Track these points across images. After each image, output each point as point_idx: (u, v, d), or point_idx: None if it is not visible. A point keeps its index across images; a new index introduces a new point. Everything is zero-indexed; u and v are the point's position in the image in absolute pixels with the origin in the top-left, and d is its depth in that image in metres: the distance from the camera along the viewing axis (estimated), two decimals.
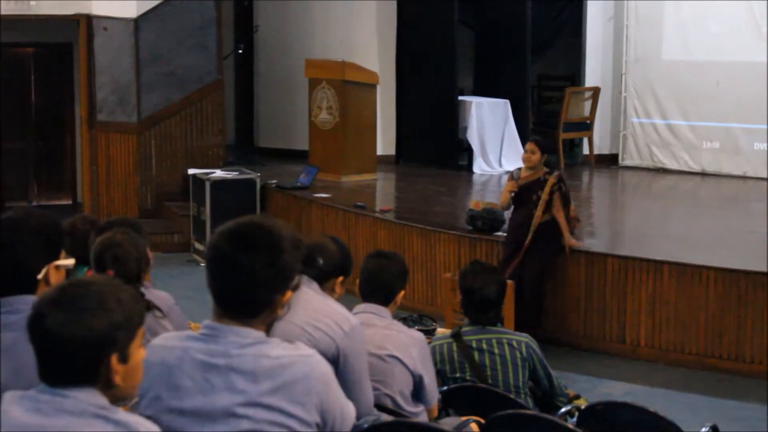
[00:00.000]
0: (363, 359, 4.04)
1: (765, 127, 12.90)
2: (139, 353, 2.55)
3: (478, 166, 13.19)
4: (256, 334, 2.87)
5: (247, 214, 11.15)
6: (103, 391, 2.46)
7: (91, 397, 2.43)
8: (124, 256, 4.39)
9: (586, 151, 14.19)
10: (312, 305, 3.97)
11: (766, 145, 13.02)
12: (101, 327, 2.44)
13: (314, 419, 2.87)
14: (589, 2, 14.20)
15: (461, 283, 5.39)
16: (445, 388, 5.06)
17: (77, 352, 2.41)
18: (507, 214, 9.13)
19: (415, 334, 4.62)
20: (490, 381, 5.16)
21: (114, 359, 2.46)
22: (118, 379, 2.48)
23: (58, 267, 3.30)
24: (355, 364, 3.95)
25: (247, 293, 2.86)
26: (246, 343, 2.84)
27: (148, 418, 2.84)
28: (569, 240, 8.73)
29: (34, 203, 13.94)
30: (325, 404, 2.89)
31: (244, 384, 2.82)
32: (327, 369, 2.94)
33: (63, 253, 3.35)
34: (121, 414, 2.44)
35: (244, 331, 2.85)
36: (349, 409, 3.02)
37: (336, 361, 3.86)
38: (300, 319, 3.89)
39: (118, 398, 2.53)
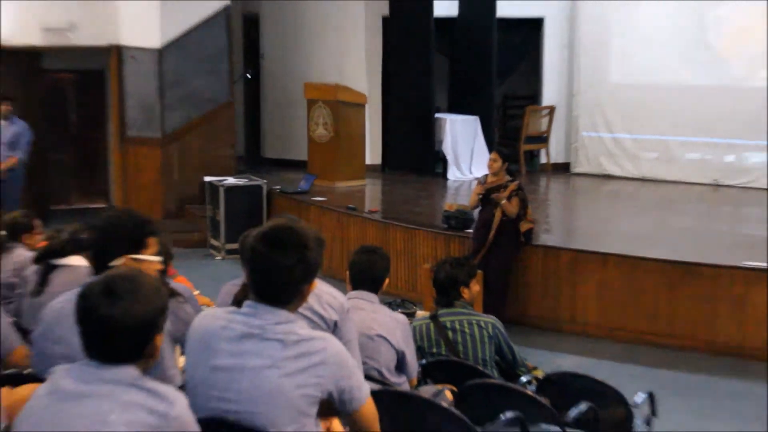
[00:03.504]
0: (352, 331, 4.07)
1: (696, 140, 13.02)
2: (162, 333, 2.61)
3: (452, 174, 13.23)
4: (289, 315, 2.96)
5: (254, 218, 11.08)
6: (138, 365, 2.51)
7: (128, 370, 2.47)
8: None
9: (543, 160, 14.26)
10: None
11: (696, 155, 13.12)
12: (150, 313, 2.49)
13: (326, 388, 2.93)
14: (546, 33, 14.27)
15: (435, 273, 5.46)
16: (424, 361, 5.08)
17: (131, 335, 2.46)
18: (476, 214, 9.18)
19: (399, 317, 4.66)
20: (462, 355, 5.19)
21: (158, 338, 2.52)
22: (158, 354, 2.54)
23: (136, 259, 3.43)
24: (346, 333, 3.98)
25: (281, 285, 2.94)
26: (280, 321, 2.93)
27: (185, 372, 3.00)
28: (526, 224, 8.83)
29: (74, 206, 13.94)
30: (338, 378, 2.95)
31: (272, 351, 2.90)
32: (342, 349, 3.00)
33: (150, 249, 3.49)
34: (151, 383, 2.48)
35: (279, 311, 2.93)
36: (361, 390, 3.04)
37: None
38: None
39: (146, 369, 2.57)
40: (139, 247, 3.46)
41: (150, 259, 3.49)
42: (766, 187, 12.40)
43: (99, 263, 3.39)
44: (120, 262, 3.41)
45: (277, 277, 2.93)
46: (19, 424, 2.45)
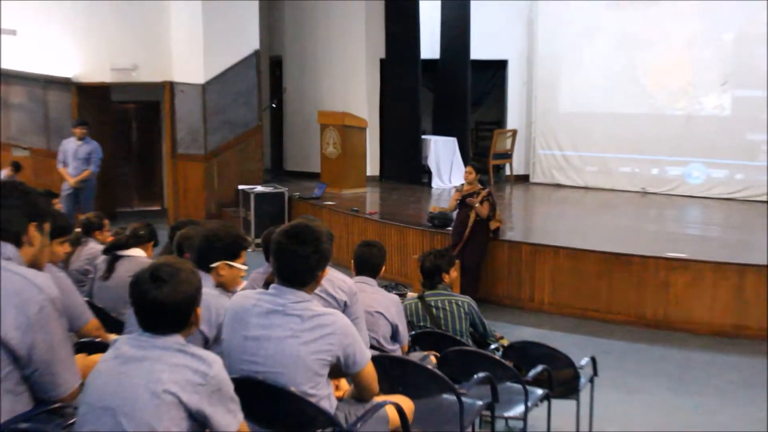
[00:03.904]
0: (360, 310, 4.05)
1: (628, 156, 13.05)
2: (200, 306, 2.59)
3: (435, 183, 13.22)
4: (306, 296, 2.95)
5: (278, 218, 11.08)
6: (183, 333, 2.49)
7: (175, 338, 2.46)
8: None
9: (508, 172, 14.24)
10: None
11: (628, 168, 13.14)
12: (191, 292, 2.48)
13: (335, 353, 2.93)
14: (509, 72, 14.29)
15: (422, 262, 5.44)
16: (413, 333, 5.07)
17: (175, 311, 2.45)
18: (454, 215, 9.17)
19: (393, 297, 4.64)
20: (443, 328, 5.18)
21: (198, 310, 2.51)
22: (198, 323, 2.53)
23: (229, 265, 3.44)
24: (354, 312, 3.96)
25: (299, 271, 2.93)
26: (298, 300, 2.92)
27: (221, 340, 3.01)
28: (495, 223, 8.82)
29: (135, 209, 13.93)
30: (345, 346, 2.94)
31: (292, 324, 2.89)
32: (347, 322, 2.99)
33: (241, 259, 3.50)
34: (194, 348, 2.47)
35: (298, 292, 2.93)
36: (363, 355, 3.03)
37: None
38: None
39: (189, 335, 2.56)
40: (234, 256, 3.45)
41: (239, 266, 3.49)
42: (685, 194, 12.53)
43: (201, 264, 3.38)
44: (217, 264, 3.41)
45: (296, 265, 2.92)
46: (91, 380, 2.45)
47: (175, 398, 2.34)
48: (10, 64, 12.11)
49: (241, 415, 2.52)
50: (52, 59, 12.34)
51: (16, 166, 10.69)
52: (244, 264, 3.54)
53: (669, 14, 12.49)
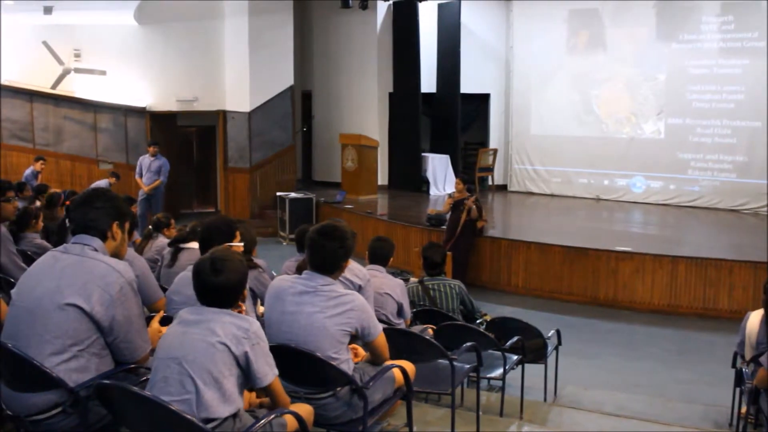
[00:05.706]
0: (371, 292, 4.02)
1: (584, 170, 12.98)
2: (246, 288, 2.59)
3: (432, 191, 13.15)
4: (332, 280, 2.94)
5: (307, 218, 10.99)
6: (233, 306, 2.50)
7: (227, 310, 2.46)
8: (245, 239, 4.37)
9: (490, 183, 14.19)
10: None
11: (585, 180, 13.07)
12: (238, 278, 2.49)
13: (354, 327, 2.91)
14: (491, 102, 14.23)
15: (423, 253, 5.39)
16: (415, 310, 5.05)
17: (228, 293, 2.47)
18: (448, 216, 9.13)
19: (398, 281, 4.60)
20: (438, 306, 5.15)
21: (245, 291, 2.51)
22: (245, 297, 2.53)
23: (229, 245, 3.33)
24: (366, 294, 3.93)
25: (328, 261, 2.92)
26: (326, 283, 2.91)
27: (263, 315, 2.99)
28: (480, 222, 8.78)
29: (194, 211, 13.93)
30: (362, 320, 2.93)
31: (320, 302, 2.88)
32: (364, 301, 2.98)
33: (237, 239, 3.43)
34: (238, 314, 2.48)
35: (325, 278, 2.92)
36: (376, 328, 3.01)
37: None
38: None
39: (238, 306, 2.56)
40: (231, 238, 3.42)
41: (237, 245, 3.45)
42: (630, 200, 12.43)
43: (204, 247, 3.36)
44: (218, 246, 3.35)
45: (325, 256, 2.91)
46: (161, 342, 2.48)
47: (226, 347, 2.38)
48: (100, 97, 12.21)
49: (276, 371, 2.51)
50: (131, 93, 12.41)
51: (116, 176, 10.85)
52: (240, 242, 3.50)
53: (615, 59, 12.48)
